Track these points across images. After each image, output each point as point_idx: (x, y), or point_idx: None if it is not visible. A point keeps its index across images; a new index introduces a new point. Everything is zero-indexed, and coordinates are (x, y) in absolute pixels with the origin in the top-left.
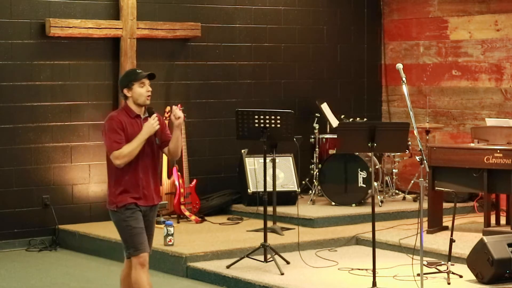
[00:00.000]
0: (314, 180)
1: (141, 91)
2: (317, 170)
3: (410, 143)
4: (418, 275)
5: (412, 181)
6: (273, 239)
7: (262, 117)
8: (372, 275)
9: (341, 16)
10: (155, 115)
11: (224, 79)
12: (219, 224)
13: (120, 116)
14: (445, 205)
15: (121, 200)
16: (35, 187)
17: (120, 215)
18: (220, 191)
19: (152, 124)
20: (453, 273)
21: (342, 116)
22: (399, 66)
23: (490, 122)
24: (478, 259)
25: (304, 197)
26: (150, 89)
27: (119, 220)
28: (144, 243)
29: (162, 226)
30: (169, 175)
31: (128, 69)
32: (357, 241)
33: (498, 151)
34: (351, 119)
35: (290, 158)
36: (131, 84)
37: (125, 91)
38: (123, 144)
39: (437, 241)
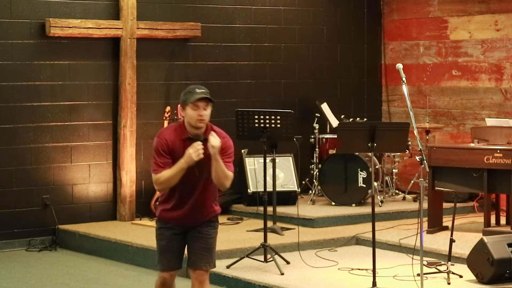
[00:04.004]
0: (314, 180)
1: (193, 114)
2: (317, 170)
3: (410, 143)
4: (418, 275)
5: (412, 181)
6: (273, 239)
7: (262, 117)
8: (372, 275)
9: (341, 16)
10: (198, 143)
11: (224, 79)
12: (219, 224)
13: (169, 135)
14: (445, 205)
15: (160, 213)
16: (35, 187)
17: (157, 224)
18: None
19: (190, 154)
20: (453, 273)
21: (342, 116)
22: (399, 66)
23: (490, 122)
24: (478, 259)
25: (304, 197)
26: (203, 113)
27: (155, 229)
28: (163, 261)
29: None
30: None
31: (187, 88)
32: (357, 241)
33: (498, 151)
34: (351, 119)
35: (290, 158)
36: (185, 104)
37: (180, 108)
38: (165, 169)
39: (437, 241)
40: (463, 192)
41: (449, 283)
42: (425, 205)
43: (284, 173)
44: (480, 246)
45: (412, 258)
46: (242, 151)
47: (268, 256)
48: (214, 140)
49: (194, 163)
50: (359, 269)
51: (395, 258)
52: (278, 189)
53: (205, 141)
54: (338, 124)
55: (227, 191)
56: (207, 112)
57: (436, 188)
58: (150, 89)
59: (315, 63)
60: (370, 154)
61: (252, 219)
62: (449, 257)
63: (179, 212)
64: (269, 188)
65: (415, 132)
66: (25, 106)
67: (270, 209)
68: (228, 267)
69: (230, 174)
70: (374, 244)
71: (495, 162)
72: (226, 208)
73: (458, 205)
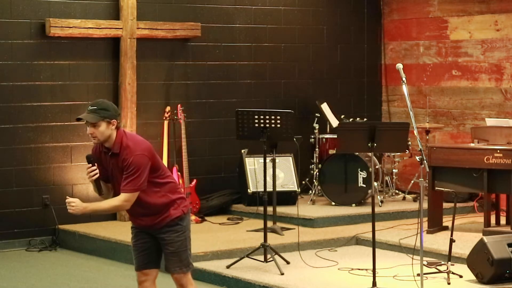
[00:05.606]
0: (314, 180)
1: None
2: (317, 170)
3: (410, 143)
4: (418, 275)
5: (412, 181)
6: (273, 239)
7: (262, 117)
8: (372, 275)
9: (341, 16)
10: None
11: (224, 79)
12: (219, 224)
13: (96, 146)
14: (445, 205)
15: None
16: (35, 187)
17: None
18: (220, 191)
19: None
20: (453, 273)
21: (342, 116)
22: (399, 66)
23: (490, 122)
24: (478, 259)
25: (304, 197)
26: (92, 131)
27: None
28: (135, 260)
29: None
30: None
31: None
32: (357, 241)
33: (498, 151)
34: (351, 119)
35: (290, 158)
36: None
37: None
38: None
39: (437, 241)
40: (463, 192)
41: (449, 283)
42: (425, 205)
43: (284, 173)
44: (480, 246)
45: (412, 258)
46: (242, 151)
47: (268, 256)
48: (69, 209)
49: (113, 177)
50: (359, 269)
51: (395, 258)
52: (278, 189)
53: (114, 156)
54: (338, 124)
55: (227, 191)
56: (96, 130)
57: (436, 188)
58: (150, 89)
59: (315, 63)
60: (370, 154)
61: (252, 219)
62: (449, 257)
63: (134, 220)
64: (269, 188)
65: (415, 132)
66: (25, 106)
67: (270, 209)
68: (228, 267)
69: (119, 199)
70: (374, 244)
71: (495, 162)
72: (226, 208)
73: (458, 205)
